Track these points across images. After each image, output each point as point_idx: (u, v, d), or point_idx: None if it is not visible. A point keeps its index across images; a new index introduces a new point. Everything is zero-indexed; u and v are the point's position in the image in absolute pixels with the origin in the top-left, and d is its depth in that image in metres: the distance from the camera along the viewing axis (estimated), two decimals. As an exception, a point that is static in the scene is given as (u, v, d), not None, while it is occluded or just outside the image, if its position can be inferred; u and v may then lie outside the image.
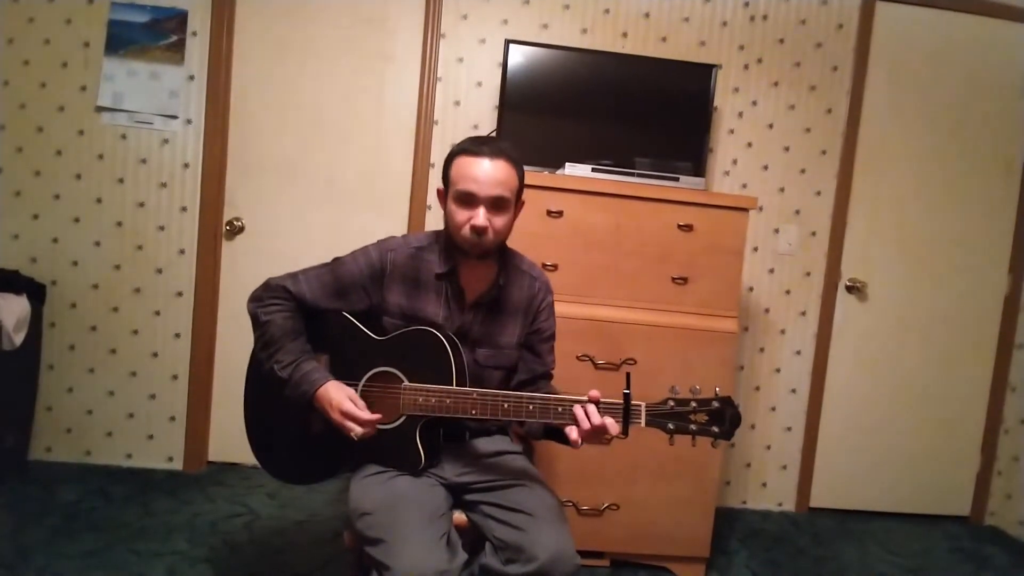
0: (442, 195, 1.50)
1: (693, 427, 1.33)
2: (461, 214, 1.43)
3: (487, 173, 1.41)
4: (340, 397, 1.39)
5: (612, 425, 1.30)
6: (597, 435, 1.32)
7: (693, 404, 1.33)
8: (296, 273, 1.53)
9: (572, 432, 1.32)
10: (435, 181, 2.67)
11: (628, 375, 1.35)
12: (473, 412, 1.39)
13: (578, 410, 1.32)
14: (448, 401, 1.40)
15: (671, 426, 1.33)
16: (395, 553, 1.28)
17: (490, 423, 1.62)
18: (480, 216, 1.41)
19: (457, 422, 1.53)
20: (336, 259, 1.55)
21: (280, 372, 1.44)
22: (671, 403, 1.34)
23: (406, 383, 1.44)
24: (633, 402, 1.32)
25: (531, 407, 1.37)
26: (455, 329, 1.50)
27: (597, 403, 1.32)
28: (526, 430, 1.57)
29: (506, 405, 1.37)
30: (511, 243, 1.63)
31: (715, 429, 1.34)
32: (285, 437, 1.57)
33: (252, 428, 1.62)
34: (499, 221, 1.44)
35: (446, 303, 1.52)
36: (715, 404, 1.34)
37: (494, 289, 1.53)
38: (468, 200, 1.42)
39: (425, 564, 1.27)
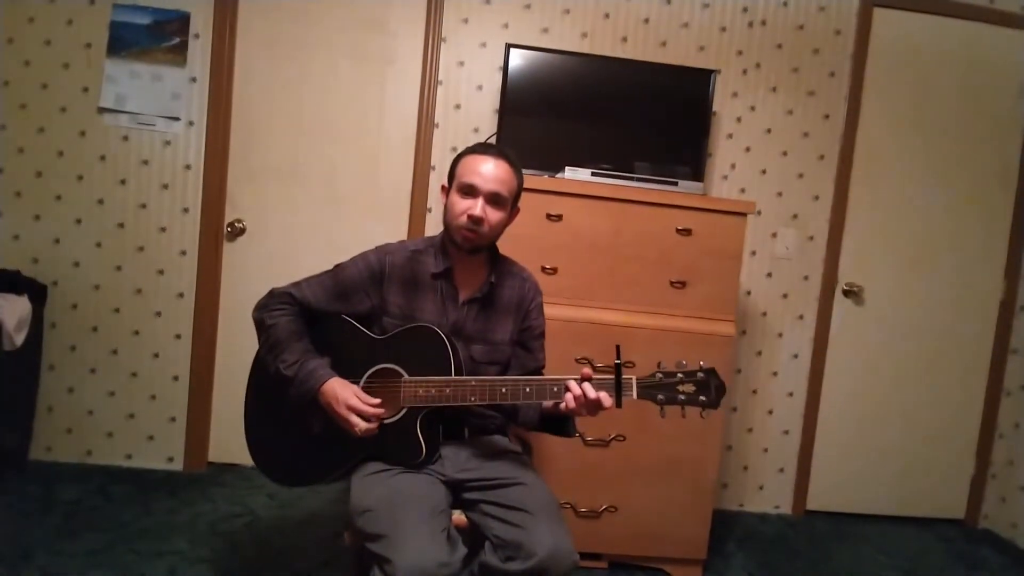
0: (445, 191, 1.59)
1: (682, 397, 1.40)
2: (461, 204, 1.52)
3: (490, 170, 1.52)
4: (346, 393, 1.45)
5: (606, 398, 1.38)
6: (591, 408, 1.39)
7: (680, 375, 1.40)
8: (299, 281, 1.61)
9: (568, 396, 1.38)
10: (435, 184, 2.70)
11: (618, 347, 1.41)
12: (472, 399, 1.45)
13: (573, 385, 1.39)
14: (448, 391, 1.45)
15: (661, 397, 1.39)
16: (397, 546, 1.30)
17: (489, 421, 1.66)
18: (478, 207, 1.49)
19: (456, 420, 1.58)
20: (337, 265, 1.62)
21: (285, 371, 1.49)
22: (659, 375, 1.40)
23: (406, 377, 1.48)
24: (624, 375, 1.38)
25: (528, 389, 1.44)
26: (451, 325, 1.56)
27: (590, 380, 1.39)
28: (522, 421, 1.61)
29: (504, 389, 1.44)
30: (509, 249, 1.69)
31: (702, 398, 1.40)
32: (284, 441, 1.59)
33: (252, 434, 1.64)
34: (494, 216, 1.53)
35: (442, 301, 1.58)
36: (700, 375, 1.40)
37: (486, 287, 1.60)
38: (469, 191, 1.52)
39: (427, 557, 1.29)
